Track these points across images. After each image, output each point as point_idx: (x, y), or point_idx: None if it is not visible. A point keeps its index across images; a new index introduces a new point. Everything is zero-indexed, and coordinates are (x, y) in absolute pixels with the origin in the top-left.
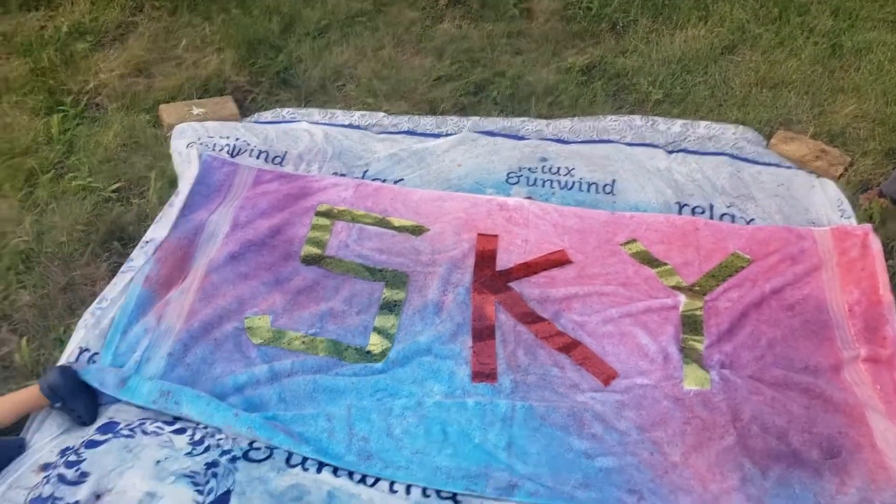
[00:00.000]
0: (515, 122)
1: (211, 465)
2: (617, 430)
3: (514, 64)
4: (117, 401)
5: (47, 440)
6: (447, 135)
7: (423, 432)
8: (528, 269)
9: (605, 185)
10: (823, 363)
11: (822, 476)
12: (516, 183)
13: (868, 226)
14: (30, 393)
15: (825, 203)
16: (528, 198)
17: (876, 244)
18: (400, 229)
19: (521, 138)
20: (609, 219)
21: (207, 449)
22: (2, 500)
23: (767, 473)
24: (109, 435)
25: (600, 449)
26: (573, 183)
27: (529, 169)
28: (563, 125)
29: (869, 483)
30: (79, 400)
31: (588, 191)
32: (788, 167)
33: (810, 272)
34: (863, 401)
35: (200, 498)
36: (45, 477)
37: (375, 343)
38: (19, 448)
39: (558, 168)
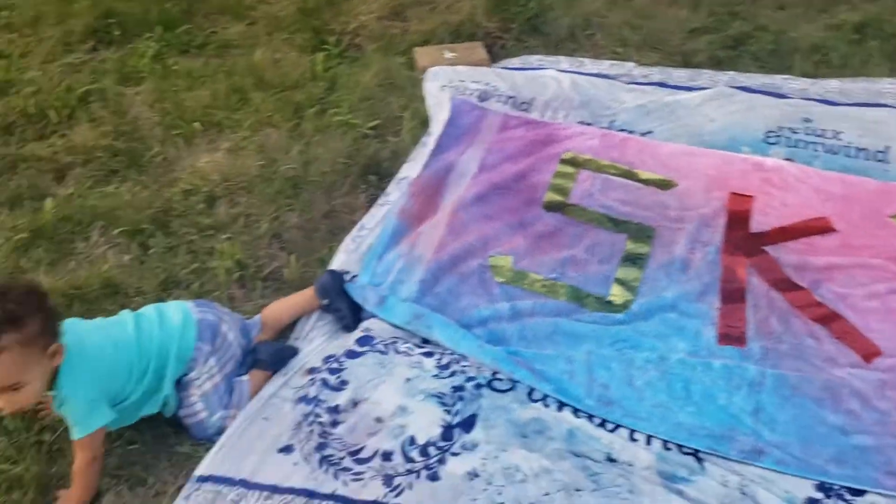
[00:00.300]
0: (777, 80)
1: (457, 388)
2: (877, 409)
3: (776, 19)
4: (371, 317)
5: (313, 347)
6: (700, 88)
7: (665, 387)
8: (786, 233)
9: (878, 152)
10: None
11: None
12: (775, 143)
13: None
14: (304, 296)
15: None
16: (788, 159)
17: None
18: (646, 182)
19: (783, 96)
20: (879, 188)
21: (453, 374)
22: (276, 395)
23: None
24: (366, 348)
25: (857, 426)
26: (840, 147)
27: (791, 129)
28: (832, 85)
29: None
30: (343, 301)
31: (856, 157)
32: None
33: None
34: None
35: (448, 417)
36: (310, 379)
37: (617, 294)
38: (293, 354)
39: (823, 130)
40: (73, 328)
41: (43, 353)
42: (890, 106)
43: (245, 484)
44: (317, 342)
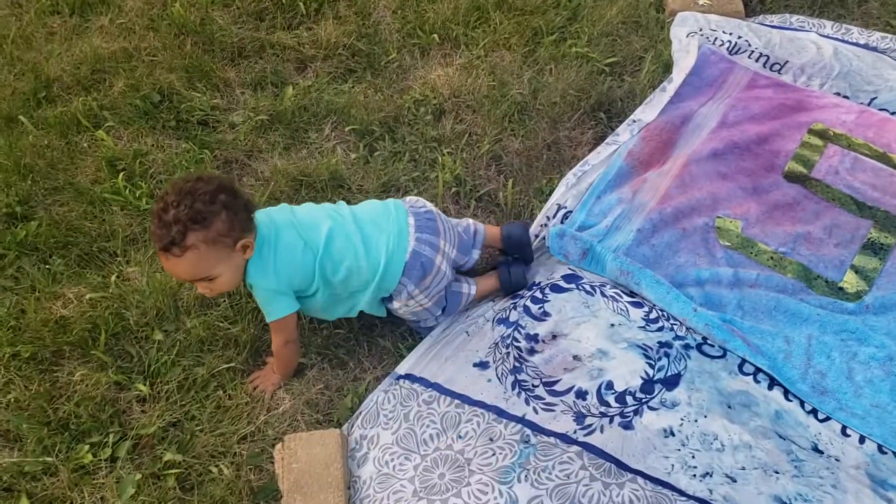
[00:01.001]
0: None
1: (664, 344)
2: None
3: None
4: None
5: None
6: None
7: (889, 388)
8: None
9: None
10: None
11: None
12: None
13: None
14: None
15: None
16: None
17: None
18: None
19: None
20: None
21: (661, 329)
22: (478, 313)
23: None
24: (573, 285)
25: None
26: None
27: None
28: None
29: None
30: (525, 251)
31: None
32: None
33: None
34: None
35: (651, 371)
36: (512, 303)
37: (850, 281)
38: (524, 285)
39: None
40: (275, 219)
41: (232, 247)
42: None
43: (439, 388)
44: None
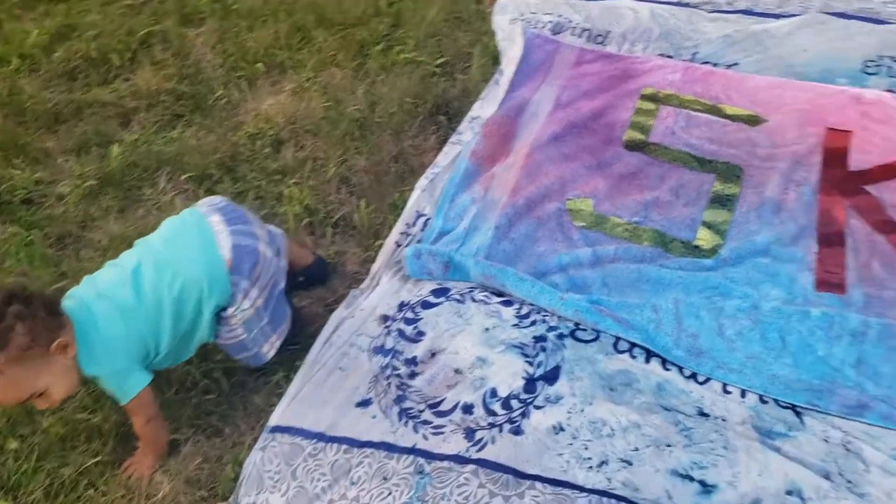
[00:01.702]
0: (874, 3)
1: (539, 339)
2: None
3: None
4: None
5: (384, 290)
6: (790, 16)
7: (759, 337)
8: (889, 171)
9: None
10: None
11: None
12: (875, 73)
13: None
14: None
15: None
16: (890, 91)
17: None
18: (733, 118)
19: (882, 22)
20: None
21: (534, 323)
22: (352, 344)
23: None
24: (442, 298)
25: None
26: None
27: (892, 58)
28: None
29: None
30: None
31: None
32: None
33: None
34: None
35: (531, 369)
36: (385, 329)
37: (704, 238)
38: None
39: None
40: (83, 297)
41: (46, 353)
42: None
43: (323, 437)
44: (386, 284)
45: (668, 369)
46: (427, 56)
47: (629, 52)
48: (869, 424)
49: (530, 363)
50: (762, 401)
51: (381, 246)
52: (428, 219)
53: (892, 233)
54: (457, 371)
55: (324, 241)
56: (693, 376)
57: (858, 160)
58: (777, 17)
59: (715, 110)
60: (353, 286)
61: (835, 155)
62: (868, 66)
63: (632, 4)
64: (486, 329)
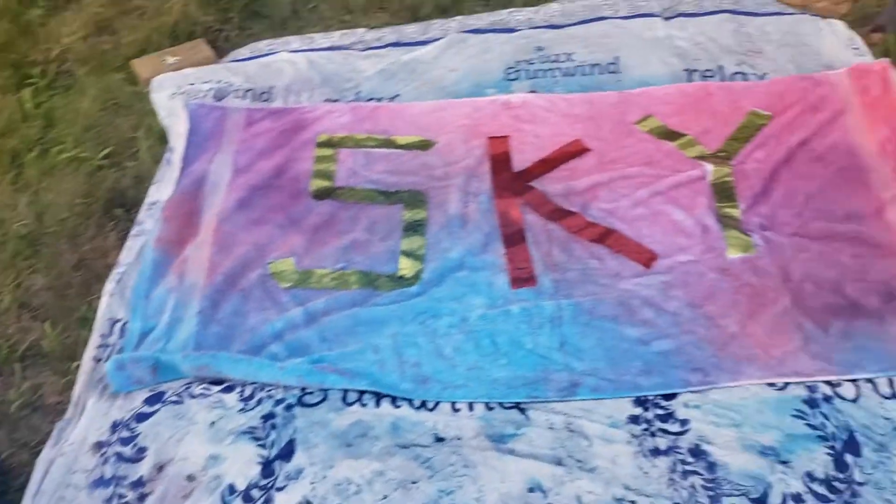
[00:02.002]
0: (503, 15)
1: (267, 417)
2: (668, 311)
3: None
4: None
5: (92, 414)
6: (434, 40)
7: (474, 347)
8: (547, 164)
9: (609, 64)
10: (865, 209)
11: (885, 322)
12: (516, 78)
13: (885, 60)
14: None
15: (836, 44)
16: (532, 91)
17: None
18: (407, 147)
19: (513, 30)
20: (619, 99)
21: (260, 402)
22: (67, 485)
23: (829, 329)
24: (158, 405)
25: (655, 333)
26: (575, 68)
27: (527, 61)
28: (553, 9)
29: None
30: None
31: (591, 73)
32: (792, 13)
33: (834, 118)
34: None
35: (265, 452)
36: (101, 456)
37: (406, 267)
38: None
39: (556, 55)
40: None
41: None
42: (609, 18)
43: None
44: (93, 408)
45: (398, 406)
46: (89, 150)
47: (296, 103)
48: (584, 400)
49: (263, 446)
50: (488, 408)
51: (78, 367)
52: (125, 323)
53: (562, 219)
54: (189, 478)
55: (13, 381)
56: (424, 404)
57: (520, 161)
58: (423, 43)
59: (388, 143)
60: (56, 420)
61: (500, 160)
62: (509, 73)
63: (287, 58)
64: (212, 423)
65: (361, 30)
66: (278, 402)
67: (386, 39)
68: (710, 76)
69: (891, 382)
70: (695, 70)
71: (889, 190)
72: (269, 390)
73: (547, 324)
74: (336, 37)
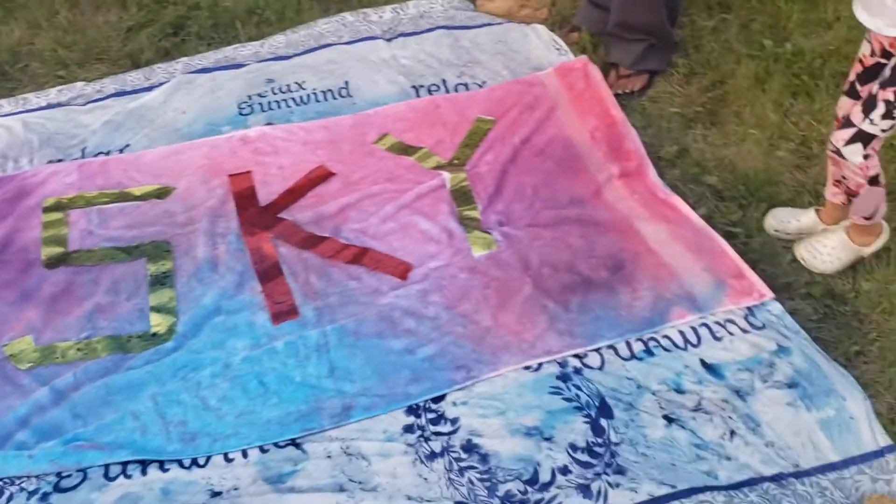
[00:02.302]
0: (228, 52)
1: None
2: (428, 317)
3: None
4: None
5: None
6: (160, 84)
7: (241, 392)
8: (294, 194)
9: (340, 89)
10: (584, 192)
11: (615, 291)
12: (250, 112)
13: (584, 57)
14: None
15: (541, 47)
16: (269, 124)
17: (595, 72)
18: (143, 197)
19: (241, 65)
20: (355, 121)
21: (11, 498)
22: None
23: (569, 306)
24: None
25: (418, 341)
26: (307, 96)
27: (259, 94)
28: (279, 41)
29: (655, 282)
30: None
31: (325, 99)
32: (500, 23)
33: (548, 115)
34: (627, 213)
35: None
36: None
37: (158, 323)
38: None
39: (288, 85)
40: None
41: None
42: (334, 44)
43: None
44: None
45: (167, 470)
46: None
47: (17, 169)
48: (358, 421)
49: None
50: (263, 451)
51: None
52: None
53: (315, 246)
54: None
55: None
56: (195, 462)
57: (266, 194)
58: (149, 89)
59: (123, 196)
60: None
61: (244, 197)
62: (243, 108)
63: (1, 122)
64: None
65: (80, 83)
66: (31, 493)
67: (107, 90)
68: (437, 90)
69: (628, 345)
70: (421, 86)
71: (602, 172)
72: (21, 482)
73: (314, 353)
74: (52, 94)
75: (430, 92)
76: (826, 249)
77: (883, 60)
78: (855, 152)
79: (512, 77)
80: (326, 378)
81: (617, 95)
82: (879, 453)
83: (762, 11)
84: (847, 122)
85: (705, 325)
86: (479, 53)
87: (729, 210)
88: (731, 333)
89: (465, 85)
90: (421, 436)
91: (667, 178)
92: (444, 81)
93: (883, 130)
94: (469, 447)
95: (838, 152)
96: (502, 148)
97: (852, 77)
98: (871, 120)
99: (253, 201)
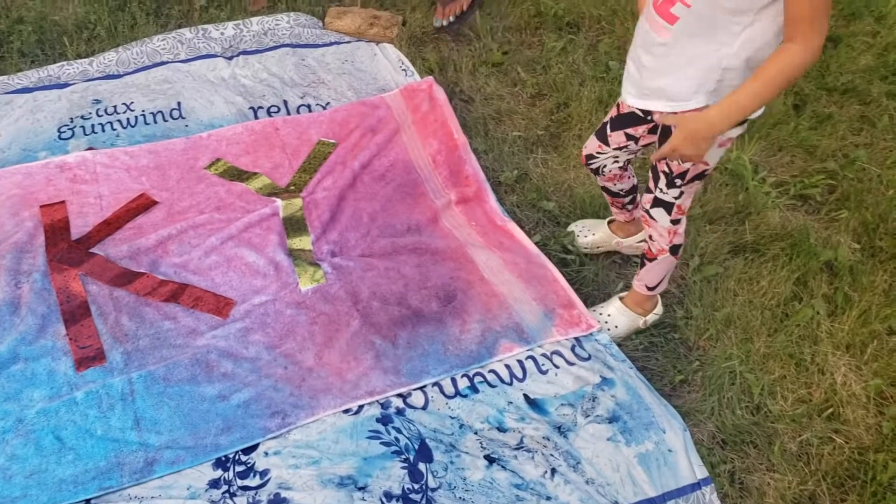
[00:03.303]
0: (53, 70)
1: None
2: (247, 358)
3: (32, 7)
4: None
5: None
6: None
7: (34, 449)
8: (110, 226)
9: (172, 111)
10: (422, 219)
11: (445, 324)
12: (71, 137)
13: (430, 78)
14: None
15: (388, 67)
16: (90, 148)
17: (440, 93)
18: None
19: (65, 85)
20: (186, 145)
21: None
22: None
23: (397, 341)
24: None
25: (234, 385)
26: (136, 118)
27: (83, 117)
28: (109, 59)
29: (485, 313)
30: None
31: (154, 122)
32: (349, 41)
33: (391, 138)
34: (463, 241)
35: None
36: None
37: None
38: None
39: (115, 107)
40: None
41: None
42: (168, 62)
43: None
44: None
45: None
46: None
47: None
48: (161, 477)
49: None
50: None
51: None
52: None
53: (129, 283)
54: None
55: None
56: None
57: (80, 226)
58: None
59: None
60: None
61: (56, 230)
62: (63, 132)
63: None
64: None
65: None
66: None
67: None
68: (276, 112)
69: (454, 381)
70: (260, 107)
71: (441, 198)
72: None
73: (118, 403)
74: None
75: (269, 113)
76: (602, 318)
77: (638, 112)
78: (661, 215)
79: (357, 98)
80: (131, 430)
81: (447, 30)
82: (696, 486)
83: (610, 32)
84: (647, 188)
85: (532, 357)
86: (324, 73)
87: (564, 235)
88: (556, 366)
89: (308, 106)
90: (227, 491)
91: (506, 203)
92: (285, 102)
93: (675, 198)
94: (276, 502)
95: (648, 213)
96: (342, 172)
97: (607, 119)
98: (660, 189)
99: (65, 235)
